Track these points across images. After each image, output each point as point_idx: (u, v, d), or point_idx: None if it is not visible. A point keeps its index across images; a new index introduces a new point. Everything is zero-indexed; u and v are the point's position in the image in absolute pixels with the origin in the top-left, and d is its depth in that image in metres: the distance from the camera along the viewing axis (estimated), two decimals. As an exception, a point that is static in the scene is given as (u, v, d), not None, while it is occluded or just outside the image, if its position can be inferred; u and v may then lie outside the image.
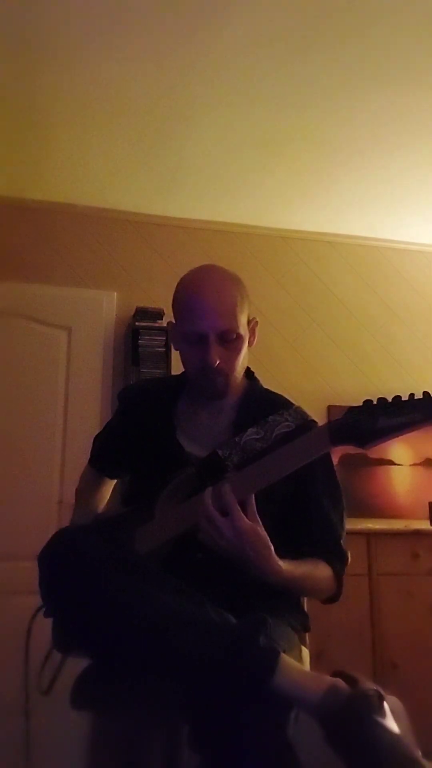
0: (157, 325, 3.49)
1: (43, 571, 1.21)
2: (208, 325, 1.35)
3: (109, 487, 1.70)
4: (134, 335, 3.48)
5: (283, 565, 1.23)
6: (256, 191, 3.61)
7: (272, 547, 1.21)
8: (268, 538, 1.20)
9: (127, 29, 2.47)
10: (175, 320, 1.44)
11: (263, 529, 1.20)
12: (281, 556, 1.24)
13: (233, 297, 1.38)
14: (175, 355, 3.49)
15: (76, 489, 1.70)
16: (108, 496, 1.70)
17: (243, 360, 1.42)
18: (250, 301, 1.44)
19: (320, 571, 1.35)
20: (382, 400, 1.15)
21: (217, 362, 1.35)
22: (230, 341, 1.37)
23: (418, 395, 1.13)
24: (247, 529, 1.18)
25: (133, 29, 2.47)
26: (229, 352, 1.38)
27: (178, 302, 1.42)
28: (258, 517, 1.20)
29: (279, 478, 1.23)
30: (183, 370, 1.54)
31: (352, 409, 1.18)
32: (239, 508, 1.19)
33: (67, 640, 1.28)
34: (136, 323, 3.51)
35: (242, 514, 1.19)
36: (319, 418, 1.40)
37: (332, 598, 1.41)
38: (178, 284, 1.45)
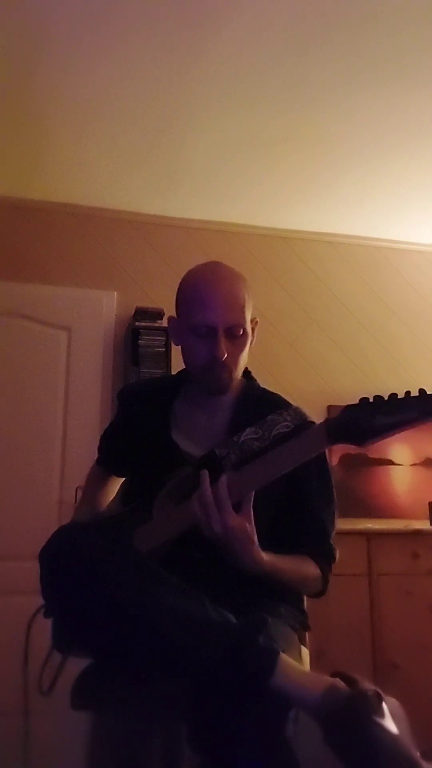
0: (157, 325, 3.49)
1: (43, 570, 1.21)
2: (219, 318, 1.36)
3: (116, 484, 1.70)
4: (134, 335, 3.48)
5: (266, 557, 1.26)
6: (255, 191, 3.61)
7: (256, 542, 1.23)
8: (255, 534, 1.23)
9: (126, 29, 2.47)
10: (181, 314, 1.44)
11: (252, 525, 1.22)
12: (271, 551, 1.26)
13: (242, 293, 1.40)
14: (175, 355, 3.50)
15: (83, 488, 1.71)
16: (113, 494, 1.70)
17: (245, 358, 1.43)
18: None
19: (305, 567, 1.37)
20: (378, 398, 1.16)
21: (225, 356, 1.36)
22: (237, 336, 1.38)
23: (415, 393, 1.13)
24: (233, 526, 1.21)
25: (131, 29, 2.47)
26: (234, 347, 1.39)
27: (186, 295, 1.42)
28: (251, 515, 1.22)
29: (276, 477, 1.23)
30: (182, 370, 1.55)
31: (349, 408, 1.19)
32: (230, 506, 1.21)
33: (68, 639, 1.28)
34: (136, 323, 3.51)
35: (232, 512, 1.21)
36: (319, 418, 1.40)
37: (319, 593, 1.42)
38: (186, 278, 1.45)
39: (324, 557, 1.40)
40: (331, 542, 1.42)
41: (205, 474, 1.24)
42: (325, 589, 1.42)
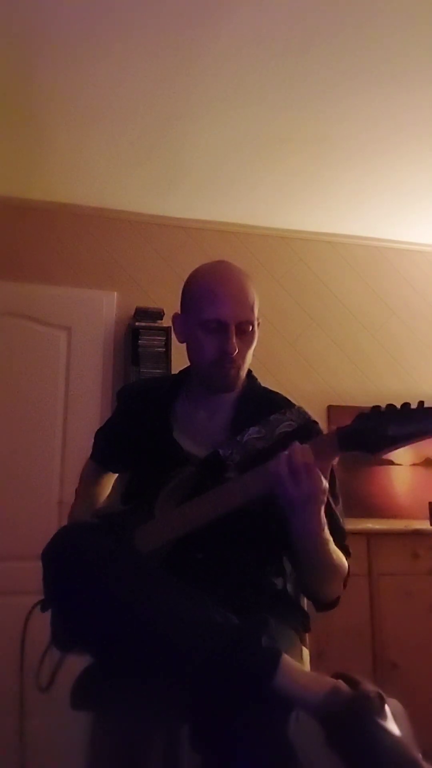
0: (157, 325, 3.49)
1: (46, 569, 1.21)
2: (231, 313, 1.36)
3: (111, 480, 1.69)
4: (134, 335, 3.48)
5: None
6: (255, 191, 3.61)
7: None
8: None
9: (126, 28, 2.47)
10: (189, 310, 1.43)
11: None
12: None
13: (251, 291, 1.41)
14: (176, 355, 3.50)
15: (78, 484, 1.70)
16: (109, 489, 1.69)
17: (251, 355, 1.43)
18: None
19: (341, 556, 1.34)
20: (390, 407, 1.14)
21: (236, 351, 1.35)
22: (246, 333, 1.38)
23: (428, 403, 1.11)
24: (324, 489, 1.17)
25: (131, 28, 2.47)
26: (243, 343, 1.38)
27: (196, 291, 1.41)
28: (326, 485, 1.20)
29: None
30: (183, 369, 1.55)
31: (360, 416, 1.17)
32: (318, 469, 1.17)
33: (68, 637, 1.28)
34: (136, 323, 3.51)
35: (321, 475, 1.17)
36: (320, 418, 1.40)
37: (333, 603, 1.38)
38: (195, 275, 1.44)
39: (346, 554, 1.37)
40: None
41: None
42: (341, 592, 1.38)
